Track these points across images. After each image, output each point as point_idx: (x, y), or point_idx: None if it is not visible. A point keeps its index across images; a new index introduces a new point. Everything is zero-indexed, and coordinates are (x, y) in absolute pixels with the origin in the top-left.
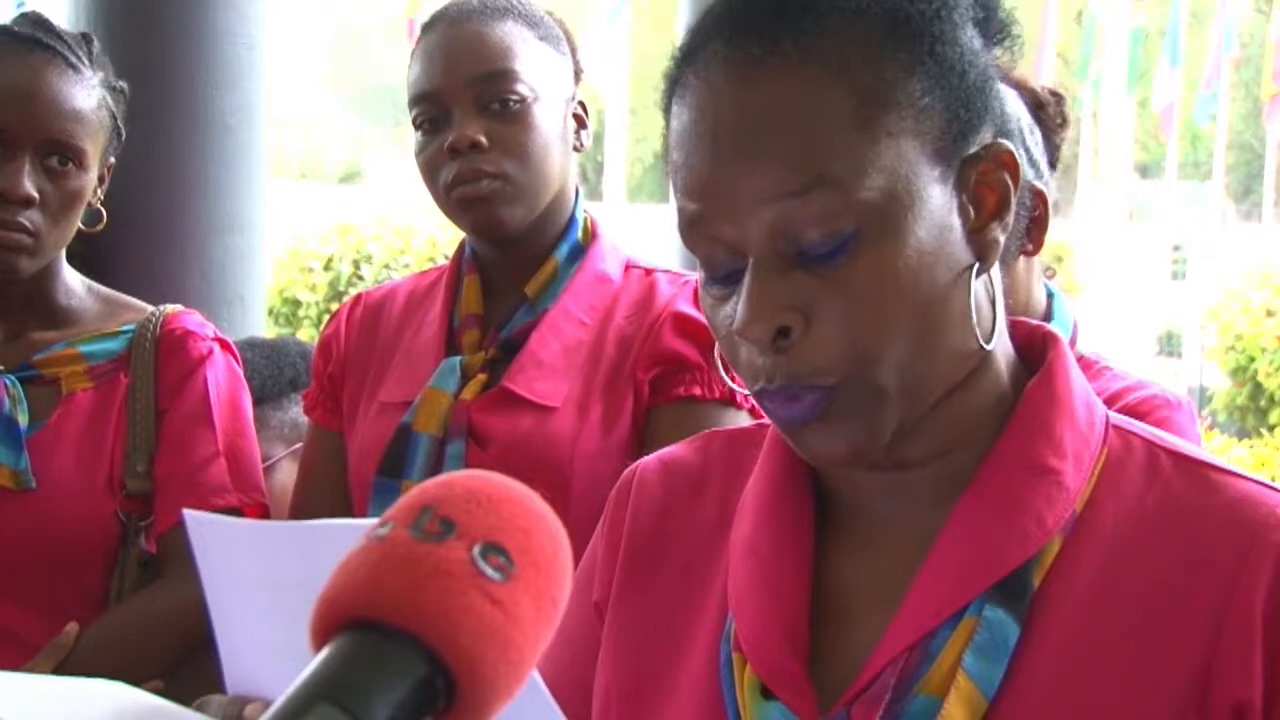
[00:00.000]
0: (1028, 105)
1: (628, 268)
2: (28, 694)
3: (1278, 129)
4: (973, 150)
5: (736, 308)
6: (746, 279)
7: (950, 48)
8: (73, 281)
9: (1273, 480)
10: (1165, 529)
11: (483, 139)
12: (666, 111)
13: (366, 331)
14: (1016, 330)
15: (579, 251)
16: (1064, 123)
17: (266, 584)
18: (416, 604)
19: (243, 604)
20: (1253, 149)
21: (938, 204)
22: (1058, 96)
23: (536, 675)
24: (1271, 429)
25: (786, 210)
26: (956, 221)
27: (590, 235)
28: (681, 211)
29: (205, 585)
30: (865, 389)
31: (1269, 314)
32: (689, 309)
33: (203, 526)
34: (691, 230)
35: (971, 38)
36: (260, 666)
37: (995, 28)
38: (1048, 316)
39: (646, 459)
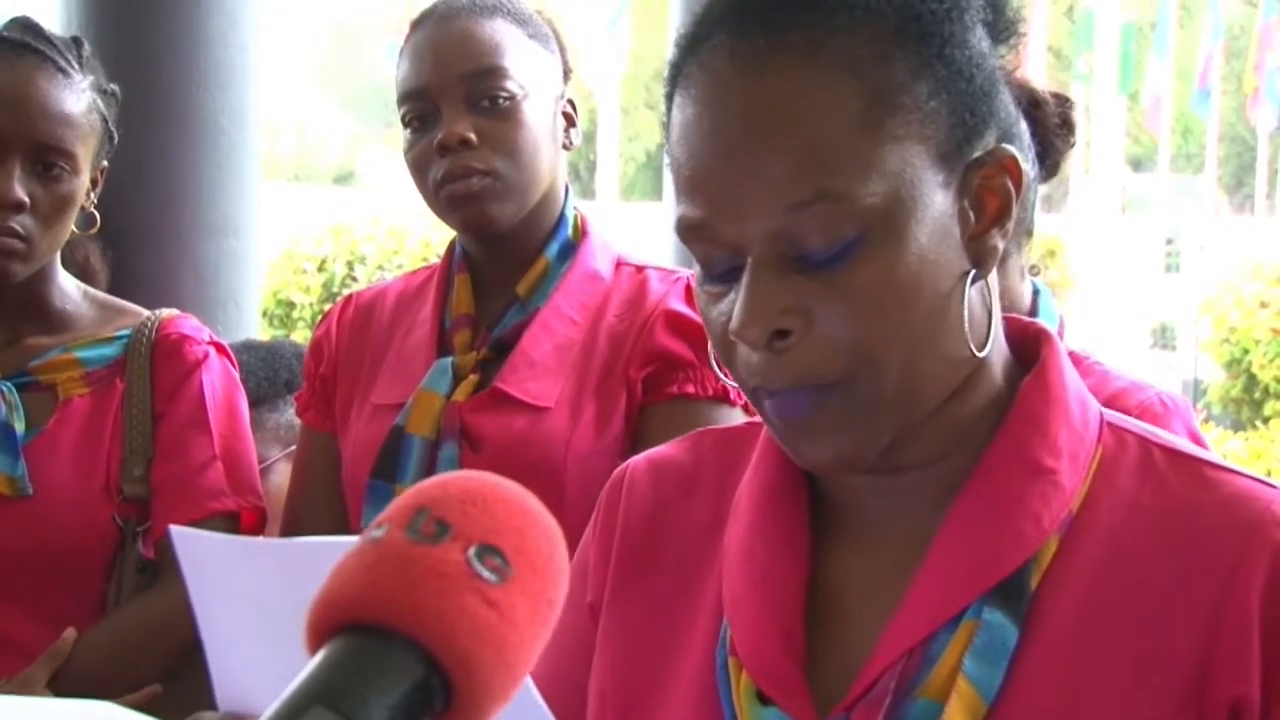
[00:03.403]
0: (1022, 101)
1: (618, 265)
2: (20, 718)
3: (1263, 121)
4: (976, 155)
5: (733, 306)
6: (745, 280)
7: (959, 50)
8: (68, 286)
9: (1269, 473)
10: (1161, 527)
11: (472, 136)
12: (668, 101)
13: (357, 332)
14: (1009, 327)
15: (570, 249)
16: (1064, 126)
17: (255, 600)
18: (412, 606)
19: (232, 620)
20: (1244, 141)
21: (939, 209)
22: (1060, 99)
23: (528, 678)
24: (1266, 421)
25: (789, 218)
26: (956, 227)
27: (581, 233)
28: (681, 210)
29: (194, 601)
30: (861, 393)
31: (1263, 305)
32: (681, 306)
33: (189, 543)
34: (690, 230)
35: (980, 39)
36: (251, 683)
37: (1002, 26)
38: (1033, 312)
39: (635, 459)
